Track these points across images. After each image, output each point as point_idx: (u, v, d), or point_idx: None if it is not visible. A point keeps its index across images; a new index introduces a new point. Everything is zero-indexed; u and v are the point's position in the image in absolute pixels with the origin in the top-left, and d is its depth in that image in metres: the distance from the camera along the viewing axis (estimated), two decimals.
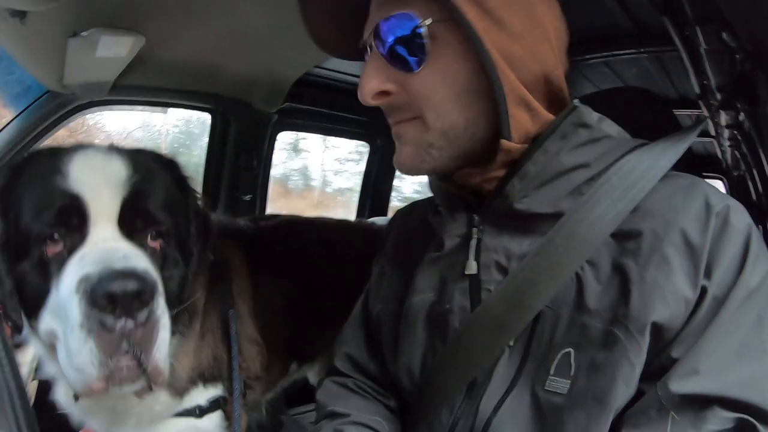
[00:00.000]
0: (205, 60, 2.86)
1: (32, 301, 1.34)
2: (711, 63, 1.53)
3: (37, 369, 2.06)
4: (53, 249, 1.31)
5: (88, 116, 3.07)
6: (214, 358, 1.83)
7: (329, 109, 3.91)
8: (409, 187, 7.17)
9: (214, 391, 1.82)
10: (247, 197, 3.59)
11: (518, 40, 1.09)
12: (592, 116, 1.18)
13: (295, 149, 9.61)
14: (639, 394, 1.03)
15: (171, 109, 3.46)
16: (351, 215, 4.76)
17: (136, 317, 1.21)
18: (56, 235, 1.31)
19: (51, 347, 1.38)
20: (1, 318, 1.31)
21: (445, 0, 1.03)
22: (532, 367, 1.11)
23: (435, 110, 1.14)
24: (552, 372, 1.08)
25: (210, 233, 1.72)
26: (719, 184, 4.06)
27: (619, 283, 1.05)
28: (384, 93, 1.16)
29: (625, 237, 1.08)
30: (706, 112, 2.00)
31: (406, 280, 1.39)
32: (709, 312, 1.00)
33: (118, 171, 1.40)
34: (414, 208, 1.60)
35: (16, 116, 2.96)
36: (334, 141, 9.47)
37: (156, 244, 1.44)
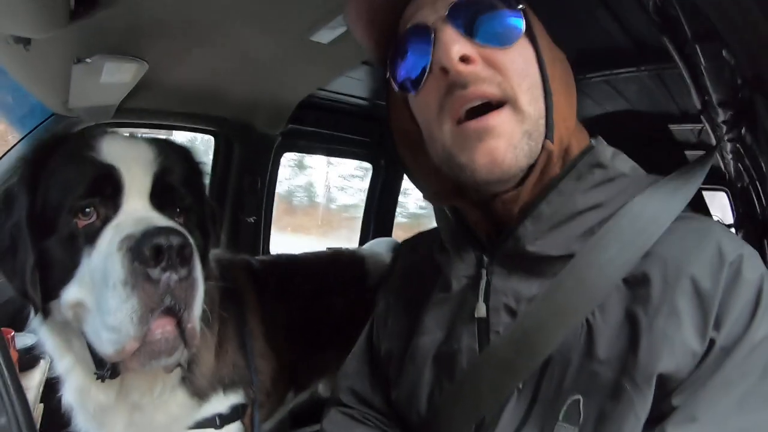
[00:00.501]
0: (207, 84, 2.88)
1: (58, 275, 1.36)
2: (711, 79, 1.53)
3: (44, 392, 2.07)
4: (85, 221, 1.35)
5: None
6: (233, 364, 1.85)
7: (332, 130, 3.93)
8: (413, 204, 7.15)
9: (234, 398, 1.82)
10: (252, 219, 3.59)
11: (557, 65, 1.13)
12: (607, 154, 1.15)
13: (300, 166, 9.64)
14: None
15: (175, 133, 3.48)
16: (355, 232, 4.76)
17: (179, 271, 1.25)
18: (89, 208, 1.35)
19: (62, 330, 1.46)
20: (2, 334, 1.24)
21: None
22: (540, 412, 1.08)
23: (530, 92, 1.08)
24: (561, 418, 1.05)
25: (220, 218, 1.82)
26: (723, 196, 4.05)
27: (628, 332, 1.02)
28: (469, 58, 1.07)
29: (635, 283, 1.04)
30: (708, 127, 1.99)
31: (413, 319, 1.35)
32: (714, 362, 0.97)
33: (147, 150, 1.48)
34: (419, 241, 1.56)
35: (22, 138, 2.98)
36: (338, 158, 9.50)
37: (180, 220, 1.49)
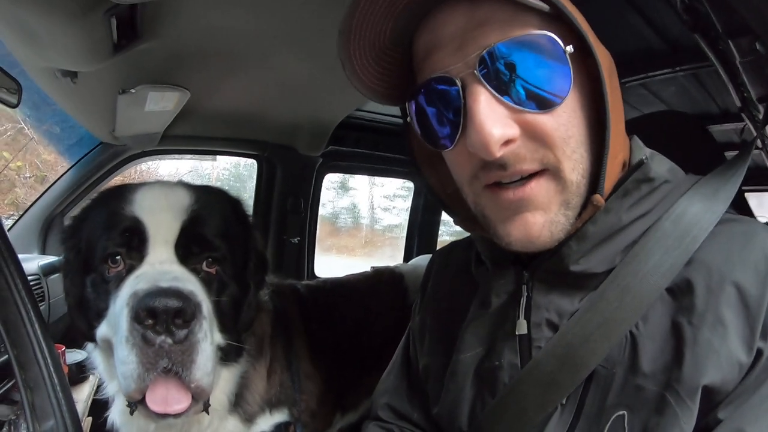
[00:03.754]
0: (248, 109, 2.93)
1: (93, 312, 1.47)
2: (748, 75, 1.50)
3: (93, 408, 2.12)
4: (114, 268, 1.42)
5: (141, 163, 3.18)
6: (280, 384, 1.86)
7: (373, 149, 3.94)
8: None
9: (279, 417, 1.83)
10: (295, 240, 3.63)
11: (613, 77, 1.00)
12: (652, 165, 1.06)
13: (344, 188, 9.67)
14: None
15: (219, 158, 3.54)
16: (399, 252, 4.74)
17: (174, 335, 1.27)
18: (118, 256, 1.42)
19: (108, 357, 1.51)
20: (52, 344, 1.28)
21: (573, 25, 0.92)
22: (584, 428, 1.03)
23: (572, 157, 0.97)
24: None
25: (265, 271, 1.78)
26: None
27: (673, 344, 0.96)
28: (511, 140, 0.95)
29: (679, 292, 0.99)
30: (749, 125, 1.93)
31: (451, 334, 1.30)
32: (761, 374, 0.92)
33: (180, 199, 1.50)
34: (452, 250, 1.48)
35: (72, 166, 3.08)
36: (381, 179, 9.49)
37: (212, 270, 1.49)
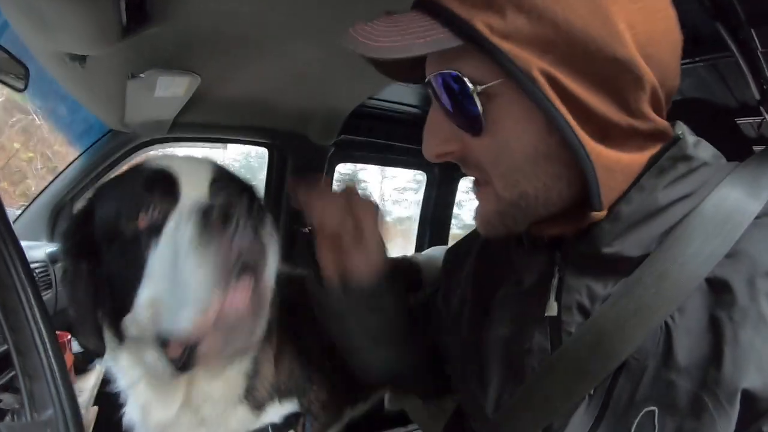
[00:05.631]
0: (260, 96, 2.91)
1: (128, 286, 1.28)
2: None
3: (98, 395, 2.11)
4: (144, 220, 1.28)
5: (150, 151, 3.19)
6: (289, 372, 1.81)
7: (385, 139, 3.92)
8: (468, 215, 7.11)
9: (289, 407, 1.80)
10: (307, 229, 3.59)
11: (598, 91, 0.91)
12: (691, 143, 1.02)
13: (354, 180, 9.69)
14: None
15: (230, 145, 3.53)
16: (411, 244, 4.73)
17: (250, 231, 1.20)
18: (149, 206, 1.28)
19: (137, 345, 1.36)
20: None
21: (501, 59, 0.87)
22: (611, 421, 0.99)
23: (502, 179, 1.00)
24: (633, 430, 0.95)
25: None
26: None
27: (711, 340, 0.91)
28: (448, 154, 1.03)
29: (720, 285, 0.93)
30: None
31: (482, 310, 1.29)
32: None
33: (204, 163, 1.43)
34: None
35: (81, 154, 3.08)
36: (392, 171, 9.50)
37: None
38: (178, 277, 1.18)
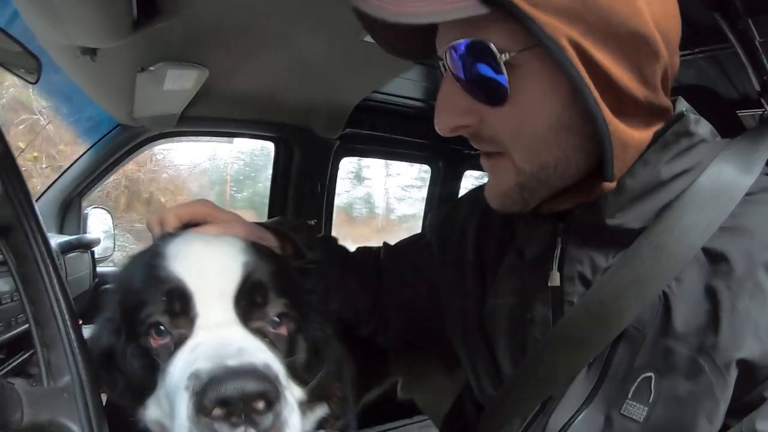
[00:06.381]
0: (266, 90, 2.93)
1: (138, 389, 1.12)
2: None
3: None
4: (159, 341, 1.07)
5: (156, 150, 3.21)
6: (320, 377, 1.76)
7: (390, 133, 3.93)
8: None
9: (319, 412, 1.72)
10: (313, 222, 3.62)
11: (621, 62, 0.92)
12: (693, 119, 1.04)
13: (358, 178, 9.67)
14: (724, 430, 0.93)
15: (236, 143, 3.55)
16: None
17: (259, 425, 0.92)
18: (161, 327, 1.07)
19: None
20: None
21: (531, 26, 0.85)
22: (609, 388, 1.02)
23: (522, 150, 0.99)
24: (630, 396, 0.98)
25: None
26: None
27: (708, 308, 0.94)
28: (462, 127, 1.02)
29: (717, 257, 0.96)
30: None
31: (483, 279, 1.31)
32: None
33: (227, 248, 1.18)
34: None
35: (89, 149, 3.11)
36: (396, 168, 9.48)
37: (281, 330, 1.15)
38: None
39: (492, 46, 0.91)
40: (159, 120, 2.99)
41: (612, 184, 1.00)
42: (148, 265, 1.15)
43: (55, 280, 0.99)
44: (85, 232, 3.13)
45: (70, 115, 3.30)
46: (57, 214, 3.09)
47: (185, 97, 2.70)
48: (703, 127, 1.06)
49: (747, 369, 0.90)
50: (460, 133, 1.03)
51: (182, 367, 0.99)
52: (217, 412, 0.90)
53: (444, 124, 1.02)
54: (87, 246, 2.97)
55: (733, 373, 0.91)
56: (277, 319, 1.14)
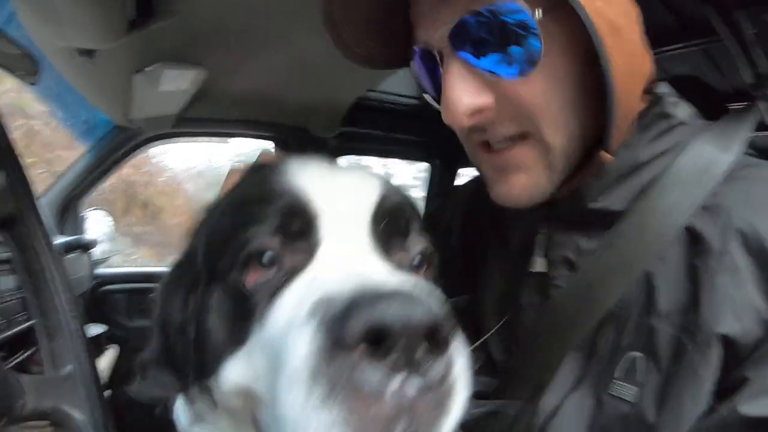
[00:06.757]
0: (263, 90, 2.94)
1: (212, 346, 0.87)
2: (760, 48, 1.49)
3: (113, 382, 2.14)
4: (258, 276, 0.82)
5: (152, 153, 3.22)
6: None
7: (386, 131, 3.93)
8: None
9: None
10: None
11: (621, 32, 0.93)
12: (671, 102, 1.07)
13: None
14: (711, 412, 0.92)
15: (234, 144, 3.56)
16: None
17: (426, 374, 0.63)
18: (268, 254, 0.82)
19: (236, 416, 0.89)
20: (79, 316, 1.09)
21: None
22: (597, 369, 1.02)
23: (554, 122, 0.97)
24: (617, 376, 0.98)
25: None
26: None
27: (690, 287, 0.95)
28: (480, 109, 0.97)
29: (697, 235, 0.97)
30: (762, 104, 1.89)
31: (470, 268, 1.31)
32: None
33: (357, 169, 0.98)
34: (479, 185, 1.28)
35: (86, 151, 3.13)
36: (393, 168, 9.45)
37: (420, 273, 0.92)
38: (281, 403, 0.67)
39: (524, 5, 0.90)
40: (156, 121, 2.99)
41: (609, 157, 1.01)
42: (254, 181, 0.95)
43: (57, 273, 1.01)
44: (84, 234, 3.16)
45: (67, 119, 3.29)
46: (56, 216, 3.11)
47: (182, 97, 2.71)
48: (682, 110, 1.08)
49: (728, 346, 0.91)
50: (477, 120, 0.98)
51: (297, 300, 0.74)
52: (368, 349, 0.61)
53: (460, 109, 0.96)
54: (86, 247, 3.00)
55: (715, 351, 0.91)
56: (417, 260, 0.90)
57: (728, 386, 0.91)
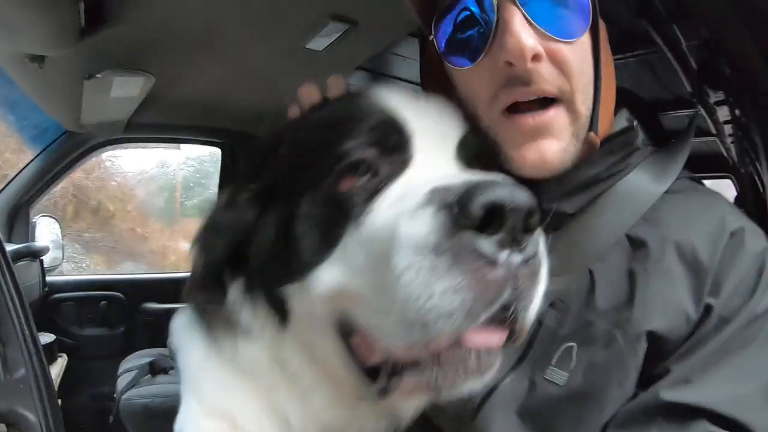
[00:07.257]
0: (212, 96, 2.96)
1: (302, 256, 0.90)
2: (695, 59, 1.52)
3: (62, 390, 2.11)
4: (352, 182, 0.88)
5: (104, 158, 3.19)
6: None
7: None
8: None
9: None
10: None
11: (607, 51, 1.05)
12: (635, 134, 1.12)
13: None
14: (634, 398, 0.99)
15: (185, 149, 3.55)
16: None
17: (525, 250, 0.76)
18: (363, 165, 0.88)
19: (310, 334, 0.93)
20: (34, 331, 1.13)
21: None
22: (534, 356, 1.06)
23: (583, 90, 1.00)
24: (553, 362, 1.04)
25: None
26: (728, 184, 4.02)
27: (626, 287, 1.02)
28: (539, 57, 0.96)
29: (638, 243, 1.04)
30: (702, 111, 1.93)
31: None
32: (712, 330, 0.95)
33: (441, 106, 1.03)
34: None
35: (36, 156, 3.09)
36: None
37: None
38: (395, 281, 0.76)
39: None
40: (106, 127, 2.98)
41: (596, 139, 1.04)
42: (343, 103, 1.01)
43: (9, 279, 1.03)
44: (33, 241, 3.11)
45: (16, 123, 3.25)
46: (4, 222, 3.07)
47: (132, 103, 2.72)
48: (640, 137, 1.14)
49: (655, 342, 0.98)
50: (534, 66, 0.96)
51: (401, 196, 0.83)
52: (486, 224, 0.71)
53: (528, 47, 0.94)
54: (36, 254, 2.95)
55: (643, 345, 0.98)
56: None
57: (652, 376, 0.98)
